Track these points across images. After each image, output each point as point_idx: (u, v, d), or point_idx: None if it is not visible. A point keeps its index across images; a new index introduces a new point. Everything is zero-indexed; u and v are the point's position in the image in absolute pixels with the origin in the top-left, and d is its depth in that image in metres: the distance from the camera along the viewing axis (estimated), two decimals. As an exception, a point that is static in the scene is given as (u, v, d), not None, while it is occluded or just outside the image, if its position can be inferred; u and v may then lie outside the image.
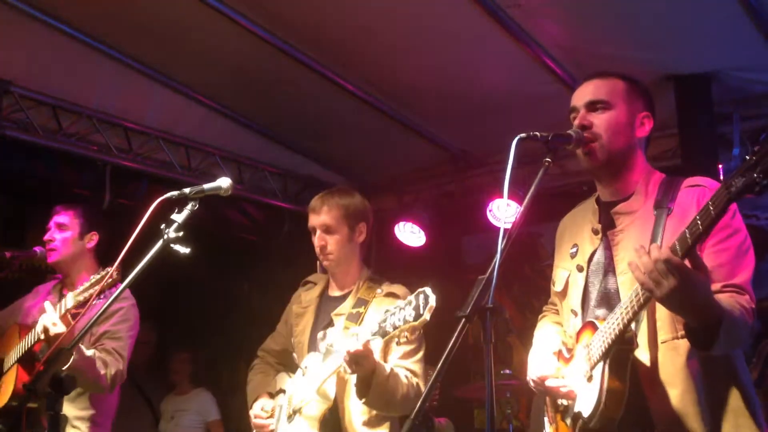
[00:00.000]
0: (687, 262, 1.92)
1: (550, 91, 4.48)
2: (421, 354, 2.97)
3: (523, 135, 2.13)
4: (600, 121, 2.29)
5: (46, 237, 3.46)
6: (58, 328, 2.89)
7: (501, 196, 5.11)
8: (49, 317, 2.92)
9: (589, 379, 2.19)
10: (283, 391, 3.08)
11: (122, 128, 4.96)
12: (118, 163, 4.95)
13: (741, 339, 2.06)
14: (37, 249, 3.43)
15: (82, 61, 4.41)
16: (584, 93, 2.35)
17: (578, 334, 2.32)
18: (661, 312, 2.14)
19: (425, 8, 3.93)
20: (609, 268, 2.30)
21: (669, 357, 2.14)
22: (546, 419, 2.45)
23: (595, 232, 2.37)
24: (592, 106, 2.31)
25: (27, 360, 3.15)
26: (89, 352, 3.10)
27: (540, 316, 2.69)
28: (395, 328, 2.46)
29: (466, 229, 6.12)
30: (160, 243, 2.33)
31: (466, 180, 5.74)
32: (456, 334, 1.90)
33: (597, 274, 2.34)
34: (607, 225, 2.34)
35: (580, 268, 2.38)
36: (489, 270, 1.92)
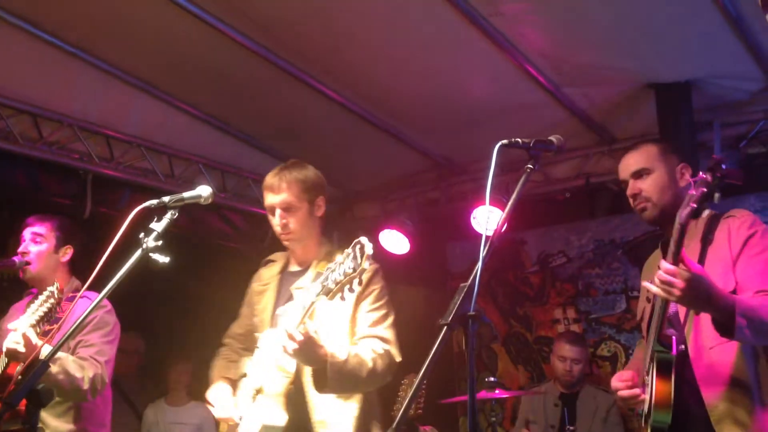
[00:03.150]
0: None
1: (533, 99, 4.50)
2: (391, 319, 2.91)
3: (504, 141, 2.16)
4: (646, 185, 2.66)
5: (21, 249, 3.39)
6: (20, 346, 2.82)
7: (485, 203, 5.12)
8: (11, 337, 2.84)
9: (647, 384, 2.56)
10: (245, 375, 2.96)
11: (104, 137, 4.91)
12: (99, 172, 4.90)
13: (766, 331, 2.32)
14: (16, 258, 3.37)
15: (62, 69, 4.36)
16: (627, 166, 2.74)
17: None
18: (704, 324, 2.44)
19: (407, 16, 3.94)
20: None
21: (719, 360, 2.45)
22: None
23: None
24: (638, 174, 2.69)
25: (2, 386, 2.98)
26: (62, 354, 3.01)
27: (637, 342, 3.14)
28: (337, 283, 2.42)
29: (451, 237, 6.12)
30: (138, 252, 2.31)
31: (449, 187, 5.75)
32: (438, 342, 1.90)
33: (659, 304, 2.66)
34: None
35: (648, 300, 2.73)
36: (471, 277, 1.91)
